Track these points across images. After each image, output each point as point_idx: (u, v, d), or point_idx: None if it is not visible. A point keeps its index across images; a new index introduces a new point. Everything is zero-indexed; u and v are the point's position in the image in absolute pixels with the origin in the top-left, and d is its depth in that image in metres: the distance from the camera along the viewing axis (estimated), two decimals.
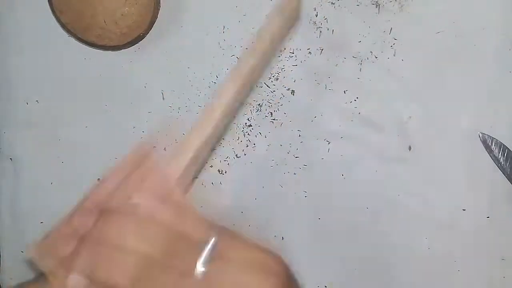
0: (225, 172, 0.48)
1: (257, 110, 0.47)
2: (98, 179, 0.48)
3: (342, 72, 0.46)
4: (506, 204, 0.45)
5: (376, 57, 0.46)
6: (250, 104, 0.47)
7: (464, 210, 0.46)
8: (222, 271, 0.29)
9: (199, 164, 0.35)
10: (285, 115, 0.47)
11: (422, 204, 0.46)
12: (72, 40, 0.47)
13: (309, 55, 0.46)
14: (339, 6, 0.46)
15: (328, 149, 0.47)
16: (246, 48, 0.47)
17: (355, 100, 0.46)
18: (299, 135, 0.47)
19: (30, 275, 0.50)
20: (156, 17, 0.47)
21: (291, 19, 0.39)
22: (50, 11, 0.46)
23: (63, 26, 0.46)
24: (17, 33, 0.49)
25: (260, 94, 0.47)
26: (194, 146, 0.32)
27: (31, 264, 0.34)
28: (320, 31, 0.46)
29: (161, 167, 0.31)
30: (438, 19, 0.45)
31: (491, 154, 0.45)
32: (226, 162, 0.48)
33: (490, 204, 0.45)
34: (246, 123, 0.47)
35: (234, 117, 0.42)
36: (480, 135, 0.45)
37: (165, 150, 0.48)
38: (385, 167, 0.46)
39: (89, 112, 0.49)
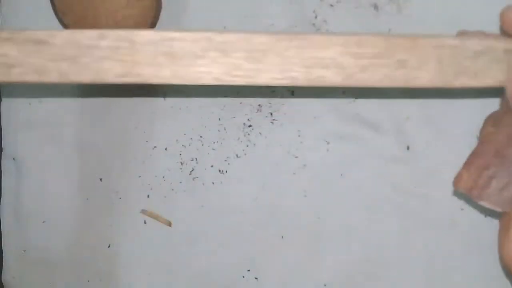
0: (226, 172, 0.48)
1: (257, 111, 0.48)
2: (100, 179, 0.49)
3: None
4: None
5: None
6: (250, 104, 0.48)
7: (462, 210, 0.46)
8: None
9: None
10: (285, 115, 0.47)
11: (421, 204, 0.46)
12: None
13: None
14: (338, 8, 0.46)
15: (328, 149, 0.47)
16: None
17: (354, 101, 0.47)
18: (299, 135, 0.47)
19: (32, 275, 0.50)
20: (158, 18, 0.47)
21: None
22: (53, 12, 0.46)
23: (66, 27, 0.47)
24: None
25: (260, 94, 0.48)
26: None
27: None
28: None
29: None
30: (437, 21, 0.45)
31: None
32: (226, 162, 0.48)
33: None
34: (246, 123, 0.48)
35: None
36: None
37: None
38: (384, 167, 0.47)
39: (91, 112, 0.49)
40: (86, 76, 0.29)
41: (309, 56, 0.29)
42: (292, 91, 0.47)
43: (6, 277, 0.51)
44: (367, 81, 0.30)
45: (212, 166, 0.48)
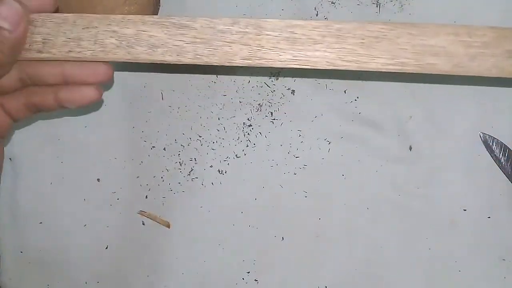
0: (225, 172, 0.48)
1: (257, 110, 0.47)
2: (98, 179, 0.49)
3: (342, 72, 0.46)
4: (507, 205, 0.45)
5: None
6: (250, 104, 0.47)
7: (465, 210, 0.46)
8: None
9: None
10: (285, 115, 0.47)
11: (422, 204, 0.46)
12: None
13: None
14: (339, 5, 0.46)
15: (328, 149, 0.47)
16: None
17: (355, 100, 0.46)
18: (299, 135, 0.47)
19: (29, 276, 0.50)
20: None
21: None
22: None
23: None
24: None
25: (260, 94, 0.47)
26: None
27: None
28: None
29: None
30: (439, 19, 0.45)
31: (492, 154, 0.45)
32: (226, 162, 0.48)
33: (491, 204, 0.45)
34: (246, 123, 0.47)
35: None
36: (481, 135, 0.45)
37: (165, 150, 0.48)
38: (385, 167, 0.46)
39: (89, 111, 0.49)
40: (216, 58, 0.32)
41: (419, 44, 0.31)
42: (293, 91, 0.47)
43: (3, 278, 0.51)
44: (476, 70, 0.31)
45: (211, 166, 0.48)
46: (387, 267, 0.47)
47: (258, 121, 0.47)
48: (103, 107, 0.49)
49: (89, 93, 0.34)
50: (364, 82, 0.46)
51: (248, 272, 0.48)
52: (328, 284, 0.47)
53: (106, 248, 0.49)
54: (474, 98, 0.46)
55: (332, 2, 0.46)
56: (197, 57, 0.33)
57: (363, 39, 0.31)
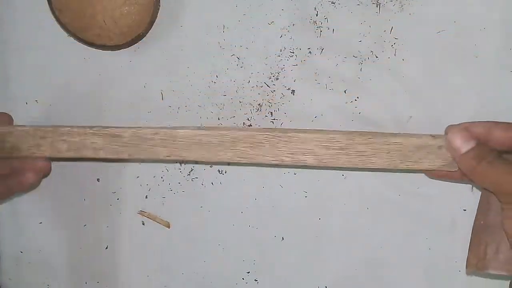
0: (225, 172, 0.48)
1: (257, 110, 0.47)
2: (98, 179, 0.49)
3: (342, 72, 0.46)
4: None
5: (377, 57, 0.46)
6: (250, 104, 0.47)
7: (464, 210, 0.46)
8: None
9: None
10: (285, 115, 0.47)
11: (422, 204, 0.46)
12: (71, 39, 0.47)
13: (309, 54, 0.46)
14: (339, 5, 0.46)
15: None
16: (247, 48, 0.47)
17: (355, 100, 0.46)
18: None
19: (29, 276, 0.50)
20: (156, 16, 0.47)
21: None
22: (49, 10, 0.46)
23: (62, 25, 0.46)
24: (15, 33, 0.49)
25: (260, 94, 0.47)
26: None
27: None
28: (321, 31, 0.46)
29: None
30: (439, 19, 0.45)
31: None
32: (225, 162, 0.48)
33: None
34: (245, 123, 0.47)
35: None
36: None
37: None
38: None
39: (89, 112, 0.49)
40: (145, 156, 0.43)
41: (294, 147, 0.41)
42: (293, 91, 0.47)
43: (3, 278, 0.51)
44: (336, 163, 0.41)
45: (211, 166, 0.48)
46: (387, 267, 0.47)
47: (258, 121, 0.47)
48: (103, 106, 0.49)
49: (30, 179, 0.44)
50: (364, 82, 0.46)
51: (248, 272, 0.48)
52: (328, 284, 0.47)
53: (106, 248, 0.49)
54: (474, 98, 0.45)
55: (332, 2, 0.46)
56: (131, 155, 0.43)
57: (252, 143, 0.41)
